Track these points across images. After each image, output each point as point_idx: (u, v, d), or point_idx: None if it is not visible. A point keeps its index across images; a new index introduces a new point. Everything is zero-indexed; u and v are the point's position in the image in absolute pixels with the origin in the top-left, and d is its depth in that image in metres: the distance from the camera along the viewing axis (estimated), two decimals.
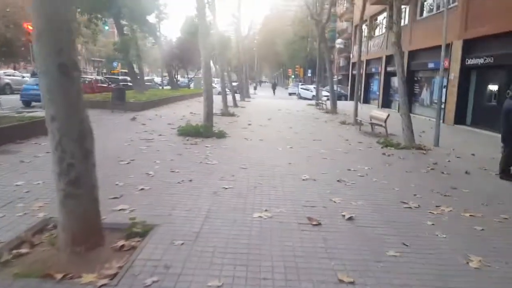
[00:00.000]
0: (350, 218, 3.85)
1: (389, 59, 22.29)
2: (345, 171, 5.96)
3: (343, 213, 3.97)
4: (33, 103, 15.12)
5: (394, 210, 4.20)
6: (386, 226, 3.72)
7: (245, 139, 8.85)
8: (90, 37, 16.39)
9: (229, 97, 19.30)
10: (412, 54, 18.58)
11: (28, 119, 7.87)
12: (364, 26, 28.38)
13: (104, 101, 13.18)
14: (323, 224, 3.69)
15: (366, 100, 27.54)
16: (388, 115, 10.78)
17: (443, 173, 6.21)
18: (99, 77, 20.27)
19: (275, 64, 75.30)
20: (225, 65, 23.58)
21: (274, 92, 43.29)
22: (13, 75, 25.50)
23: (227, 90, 25.11)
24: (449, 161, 7.28)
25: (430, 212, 4.15)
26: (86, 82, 18.38)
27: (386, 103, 22.86)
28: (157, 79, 44.46)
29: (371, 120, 12.06)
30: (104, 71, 62.98)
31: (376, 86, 25.69)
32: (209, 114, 9.06)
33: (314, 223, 3.69)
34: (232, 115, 14.46)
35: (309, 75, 49.07)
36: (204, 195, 4.47)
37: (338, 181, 5.35)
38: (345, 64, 50.37)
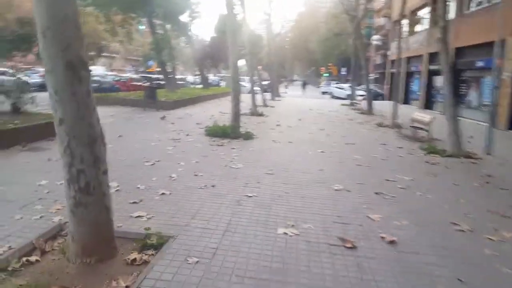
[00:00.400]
0: (391, 242, 3.32)
1: (432, 57, 20.86)
2: (384, 182, 5.37)
3: (382, 235, 3.45)
4: None
5: (443, 233, 3.60)
6: (434, 254, 3.15)
7: (273, 141, 8.44)
8: (126, 36, 16.67)
9: (259, 96, 18.99)
10: (459, 52, 17.17)
11: None
12: (404, 21, 26.94)
13: (137, 99, 13.32)
14: (359, 247, 3.20)
15: (406, 101, 26.06)
16: (433, 118, 9.91)
17: (501, 188, 5.41)
18: (134, 76, 20.72)
19: (307, 62, 73.99)
20: (255, 64, 23.27)
21: (304, 91, 42.43)
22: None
23: (257, 89, 24.87)
24: (506, 173, 6.42)
25: (487, 238, 3.51)
26: (121, 80, 18.86)
27: (428, 104, 21.44)
28: (190, 78, 45.11)
29: (412, 123, 11.20)
30: (141, 69, 65.21)
31: (417, 86, 24.20)
32: (236, 115, 8.75)
33: (348, 245, 3.21)
34: (261, 115, 14.09)
35: (343, 73, 47.56)
36: (226, 204, 4.13)
37: (375, 193, 4.79)
38: (382, 62, 48.34)
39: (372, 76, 54.87)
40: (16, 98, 8.20)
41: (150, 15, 17.06)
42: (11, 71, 21.02)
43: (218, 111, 14.35)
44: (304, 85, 45.63)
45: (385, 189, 4.95)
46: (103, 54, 63.11)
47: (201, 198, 4.31)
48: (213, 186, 4.76)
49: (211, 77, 41.50)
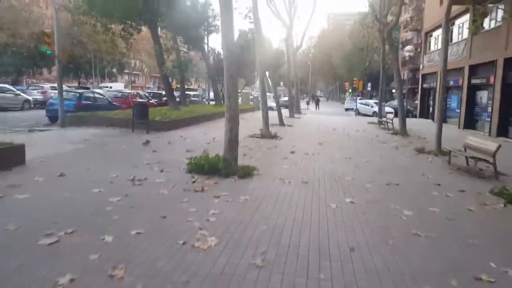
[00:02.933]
0: None
1: (474, 70, 17.96)
2: (464, 270, 2.83)
3: None
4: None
5: None
6: None
7: (281, 180, 6.03)
8: (126, 46, 14.98)
9: (274, 113, 16.71)
10: (510, 63, 14.32)
11: None
12: (435, 34, 24.09)
13: (127, 119, 11.34)
14: None
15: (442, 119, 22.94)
16: (499, 146, 7.20)
17: None
18: (140, 92, 18.91)
19: (330, 77, 71.52)
20: (271, 79, 21.20)
21: (317, 107, 40.18)
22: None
23: (272, 105, 22.73)
24: None
25: None
26: (121, 96, 17.11)
27: (469, 123, 18.39)
28: (200, 91, 43.78)
29: (465, 150, 8.52)
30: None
31: (456, 102, 21.15)
32: (231, 143, 6.42)
33: None
34: (274, 137, 11.73)
35: (369, 88, 44.65)
36: None
37: None
38: (410, 76, 45.23)
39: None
40: None
41: (155, 25, 15.35)
42: (7, 86, 20.02)
43: (223, 132, 12.09)
44: (315, 100, 43.86)
45: None
46: (125, 71, 63.52)
47: None
48: None
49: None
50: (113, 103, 15.43)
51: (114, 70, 55.49)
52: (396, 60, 14.75)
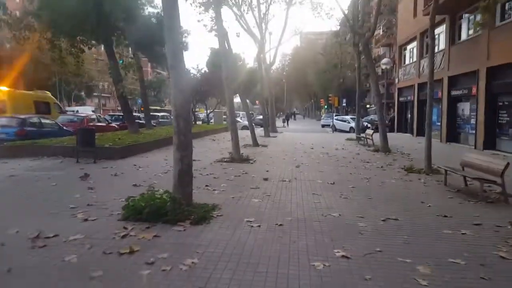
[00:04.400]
0: None
1: (453, 81, 17.52)
2: None
3: None
4: None
5: None
6: None
7: (248, 223, 4.55)
8: (76, 65, 13.24)
9: (248, 133, 15.38)
10: (492, 72, 13.79)
11: None
12: (410, 47, 23.96)
13: (73, 147, 9.60)
14: None
15: (421, 132, 22.40)
16: (507, 164, 6.11)
17: None
18: (97, 115, 16.97)
19: (306, 95, 71.78)
20: (243, 98, 20.02)
21: (286, 124, 39.81)
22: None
23: (246, 124, 21.42)
24: None
25: None
26: (75, 121, 15.20)
27: (452, 136, 17.79)
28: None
29: (463, 168, 7.44)
30: (135, 108, 62.80)
31: (436, 115, 20.65)
32: (183, 176, 4.90)
33: None
34: (246, 160, 10.31)
35: (344, 104, 44.55)
36: None
37: None
38: (383, 92, 45.70)
39: (373, 107, 52.11)
40: None
41: (109, 41, 13.82)
42: None
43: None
44: (287, 117, 43.63)
45: None
46: (95, 93, 61.07)
47: None
48: None
49: (201, 114, 38.42)
50: (65, 128, 13.55)
51: (82, 93, 53.14)
52: (374, 73, 13.90)
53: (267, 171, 8.73)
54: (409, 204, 5.82)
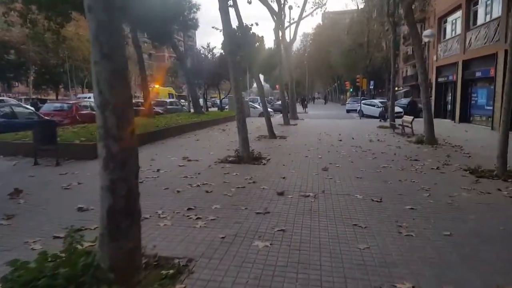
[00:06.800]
0: None
1: None
2: None
3: None
4: None
5: None
6: None
7: None
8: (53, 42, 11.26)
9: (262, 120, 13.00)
10: None
11: None
12: (451, 19, 20.32)
13: (27, 144, 7.59)
14: None
15: (465, 118, 19.23)
16: None
17: None
18: (86, 102, 14.91)
19: (328, 78, 67.82)
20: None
21: (304, 109, 36.22)
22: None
23: (269, 110, 18.86)
24: None
25: None
26: (64, 109, 13.23)
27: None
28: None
29: None
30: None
31: (484, 98, 17.44)
32: (116, 221, 2.66)
33: None
34: (257, 159, 7.98)
35: (371, 87, 40.95)
36: None
37: None
38: (413, 73, 41.70)
39: (401, 89, 47.96)
40: None
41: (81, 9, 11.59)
42: None
43: (181, 157, 8.33)
44: (303, 102, 39.40)
45: None
46: None
47: None
48: None
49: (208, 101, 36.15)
50: (48, 118, 11.63)
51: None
52: (419, 44, 11.01)
53: (284, 177, 6.39)
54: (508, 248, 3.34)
